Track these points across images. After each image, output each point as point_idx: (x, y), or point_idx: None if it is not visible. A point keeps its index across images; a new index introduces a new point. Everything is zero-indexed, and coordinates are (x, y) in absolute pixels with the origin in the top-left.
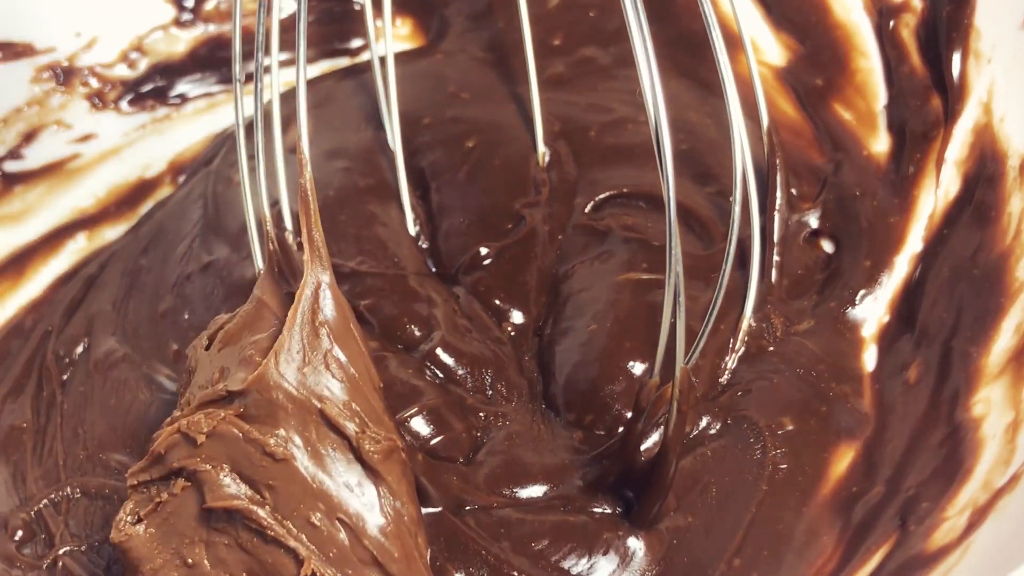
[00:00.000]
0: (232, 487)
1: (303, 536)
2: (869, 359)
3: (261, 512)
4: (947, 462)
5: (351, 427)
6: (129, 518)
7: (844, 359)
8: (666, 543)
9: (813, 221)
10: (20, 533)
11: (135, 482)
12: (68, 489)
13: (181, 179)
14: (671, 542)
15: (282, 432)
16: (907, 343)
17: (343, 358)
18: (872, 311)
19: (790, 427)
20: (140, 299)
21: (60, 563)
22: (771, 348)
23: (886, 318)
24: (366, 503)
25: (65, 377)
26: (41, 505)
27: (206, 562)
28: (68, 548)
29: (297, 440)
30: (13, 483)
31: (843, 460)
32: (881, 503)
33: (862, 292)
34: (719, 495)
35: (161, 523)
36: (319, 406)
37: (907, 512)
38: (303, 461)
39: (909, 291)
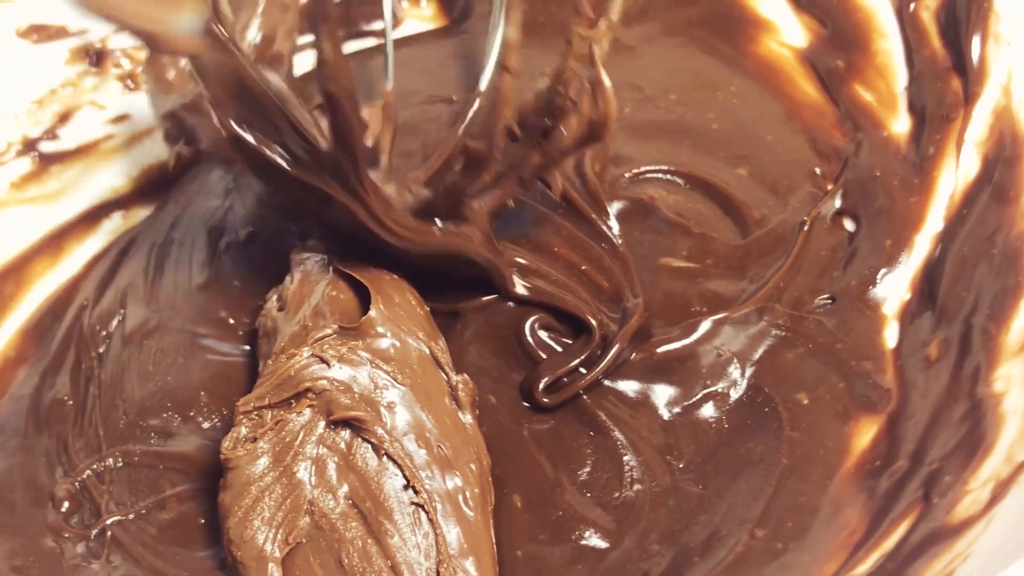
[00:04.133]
0: (356, 404)
1: (409, 458)
2: (891, 336)
3: (379, 428)
4: (969, 436)
5: (449, 370)
6: (244, 434)
7: (865, 336)
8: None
9: (835, 201)
10: (67, 504)
11: (248, 408)
12: (110, 460)
13: None
14: (686, 509)
15: (397, 363)
16: (928, 320)
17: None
18: (893, 289)
19: (805, 402)
20: (175, 272)
21: (108, 533)
22: (788, 326)
23: (907, 296)
24: (462, 439)
25: (101, 350)
26: (84, 476)
27: (312, 480)
28: (115, 518)
29: (410, 372)
30: (57, 456)
31: (866, 434)
32: (905, 476)
33: (883, 271)
34: (736, 466)
35: (277, 442)
36: (427, 349)
37: (930, 485)
38: (418, 391)
39: (929, 269)
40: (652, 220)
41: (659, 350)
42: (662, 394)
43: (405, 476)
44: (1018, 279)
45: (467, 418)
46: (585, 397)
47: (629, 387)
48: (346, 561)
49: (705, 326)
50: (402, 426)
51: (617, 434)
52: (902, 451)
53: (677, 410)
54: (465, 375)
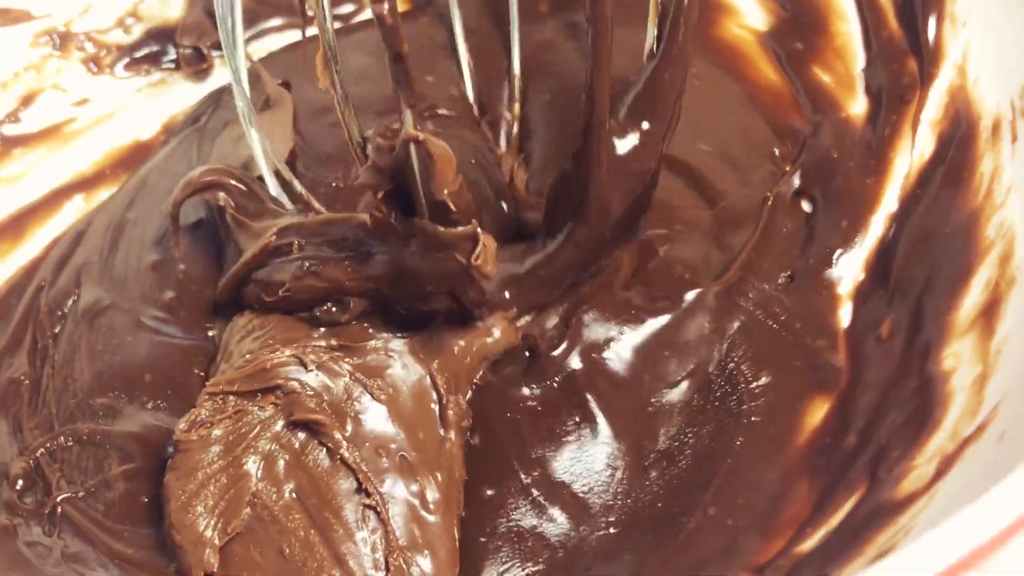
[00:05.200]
0: (321, 409)
1: (365, 464)
2: (844, 315)
3: (337, 433)
4: (917, 413)
5: (443, 391)
6: (203, 418)
7: (821, 316)
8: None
9: (794, 182)
10: (21, 482)
11: (215, 390)
12: (61, 438)
13: None
14: (649, 491)
15: (381, 380)
16: (881, 300)
17: None
18: (848, 269)
19: (765, 380)
20: (127, 251)
21: (59, 510)
22: (758, 301)
23: (861, 276)
24: (434, 451)
25: (57, 329)
26: (38, 454)
27: (259, 473)
28: (65, 495)
29: (394, 391)
30: (12, 435)
31: (817, 412)
32: (853, 452)
33: (839, 252)
34: (697, 446)
35: (232, 431)
36: (431, 367)
37: (878, 461)
38: (394, 407)
39: (883, 250)
40: None
41: (650, 322)
42: (650, 375)
43: (358, 480)
44: (969, 258)
45: (450, 435)
46: (578, 370)
47: (621, 366)
48: (287, 551)
49: (690, 297)
50: (364, 435)
51: (601, 420)
52: (852, 428)
53: (660, 390)
54: (460, 397)
